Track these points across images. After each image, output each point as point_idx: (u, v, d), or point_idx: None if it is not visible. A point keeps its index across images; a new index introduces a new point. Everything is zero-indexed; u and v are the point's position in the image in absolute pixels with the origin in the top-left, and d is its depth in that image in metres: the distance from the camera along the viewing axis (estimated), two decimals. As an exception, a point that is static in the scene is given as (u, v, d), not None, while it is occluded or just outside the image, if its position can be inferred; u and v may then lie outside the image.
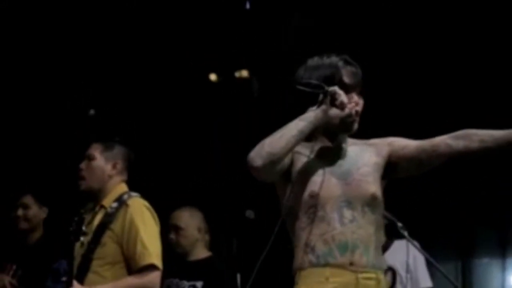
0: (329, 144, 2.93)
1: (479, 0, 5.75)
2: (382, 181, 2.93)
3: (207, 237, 5.13)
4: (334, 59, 2.93)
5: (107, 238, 3.94)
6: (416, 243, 4.55)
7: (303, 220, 2.83)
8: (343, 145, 2.95)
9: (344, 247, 2.78)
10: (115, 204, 4.01)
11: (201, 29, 6.17)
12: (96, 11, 6.08)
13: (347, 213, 2.82)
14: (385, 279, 2.89)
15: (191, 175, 6.56)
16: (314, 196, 2.81)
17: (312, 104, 2.82)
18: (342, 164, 2.90)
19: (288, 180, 2.86)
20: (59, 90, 6.53)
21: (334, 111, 2.79)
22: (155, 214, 4.04)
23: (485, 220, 6.36)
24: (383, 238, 5.13)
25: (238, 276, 4.79)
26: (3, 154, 6.39)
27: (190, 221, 5.04)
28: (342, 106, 2.79)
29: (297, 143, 2.77)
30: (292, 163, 2.86)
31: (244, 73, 6.47)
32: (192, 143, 6.54)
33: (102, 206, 4.04)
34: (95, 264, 3.92)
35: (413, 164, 2.92)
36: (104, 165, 4.12)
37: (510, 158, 5.78)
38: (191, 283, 4.93)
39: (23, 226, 5.16)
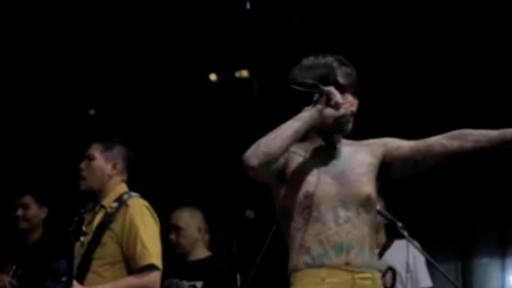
0: (323, 144, 2.94)
1: (477, 0, 5.75)
2: (376, 182, 2.93)
3: (207, 237, 5.13)
4: (329, 59, 2.94)
5: (107, 238, 3.94)
6: (416, 243, 4.55)
7: (298, 221, 2.83)
8: (338, 145, 2.95)
9: (339, 248, 2.78)
10: (115, 204, 4.01)
11: (201, 29, 6.18)
12: (96, 11, 6.09)
13: (342, 213, 2.82)
14: (380, 279, 2.90)
15: (191, 175, 6.56)
16: (309, 197, 2.81)
17: (307, 104, 2.82)
18: (337, 164, 2.90)
19: (283, 180, 2.86)
20: (59, 90, 6.53)
21: (329, 111, 2.80)
22: (155, 214, 4.04)
23: (485, 220, 6.36)
24: (383, 238, 5.18)
25: (238, 276, 4.79)
26: (3, 154, 6.39)
27: (190, 221, 5.04)
28: (337, 106, 2.79)
29: (292, 142, 2.77)
30: (287, 163, 2.86)
31: (244, 73, 6.47)
32: (192, 143, 6.54)
33: (102, 206, 4.04)
34: (95, 264, 3.92)
35: (408, 165, 2.92)
36: (104, 165, 4.11)
37: (510, 158, 5.80)
38: (191, 283, 4.93)
39: (23, 226, 5.15)
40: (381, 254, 5.14)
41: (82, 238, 3.88)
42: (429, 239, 5.56)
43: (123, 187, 4.12)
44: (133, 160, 4.21)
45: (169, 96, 6.55)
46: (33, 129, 6.53)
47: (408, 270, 4.88)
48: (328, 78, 2.87)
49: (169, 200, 5.29)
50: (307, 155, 2.89)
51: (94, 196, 4.10)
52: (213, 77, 6.65)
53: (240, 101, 6.34)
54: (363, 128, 3.05)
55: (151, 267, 3.90)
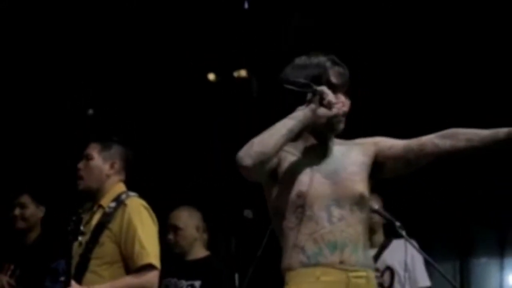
0: (316, 143, 2.94)
1: (474, 2, 5.75)
2: (369, 181, 2.93)
3: (205, 236, 5.13)
4: (321, 59, 2.94)
5: (105, 238, 3.93)
6: (414, 242, 4.56)
7: (291, 220, 2.83)
8: (330, 144, 2.95)
9: (333, 246, 2.78)
10: (113, 204, 4.00)
11: (199, 28, 6.17)
12: (95, 11, 6.08)
13: (336, 212, 2.82)
14: (376, 278, 2.90)
15: (189, 175, 6.57)
16: (302, 196, 2.81)
17: (300, 103, 2.82)
18: (329, 163, 2.91)
19: (276, 179, 2.86)
20: (57, 90, 6.53)
21: (322, 111, 2.80)
22: (153, 214, 4.04)
23: (484, 220, 6.37)
24: (381, 237, 5.17)
25: (236, 276, 4.79)
26: (0, 153, 6.39)
27: (188, 220, 5.04)
28: (329, 106, 2.79)
29: (286, 142, 2.77)
30: (279, 163, 2.86)
31: (243, 73, 6.47)
32: (191, 143, 6.54)
33: (100, 206, 4.03)
34: (93, 264, 3.91)
35: (400, 164, 2.92)
36: (102, 165, 4.11)
37: (508, 157, 5.80)
38: (189, 282, 4.93)
39: (20, 225, 5.15)
40: (379, 254, 5.16)
41: (80, 238, 3.87)
42: (427, 238, 5.57)
43: (121, 187, 4.11)
44: (131, 159, 4.21)
45: (168, 96, 6.55)
46: (31, 128, 6.53)
47: (406, 269, 4.88)
48: (320, 78, 2.88)
49: (167, 200, 5.29)
50: (300, 154, 2.89)
51: (92, 196, 4.10)
52: (211, 77, 6.65)
53: (239, 101, 6.34)
54: (362, 127, 3.06)
55: (149, 267, 3.89)
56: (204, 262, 5.00)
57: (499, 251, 6.45)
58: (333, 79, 2.91)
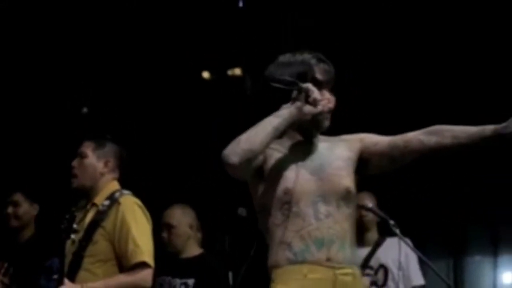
0: (301, 140, 2.94)
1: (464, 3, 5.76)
2: (355, 176, 2.93)
3: (199, 234, 5.13)
4: (306, 56, 2.94)
5: (99, 236, 3.93)
6: (408, 240, 4.56)
7: (277, 217, 2.82)
8: (315, 141, 2.95)
9: (320, 243, 2.78)
10: (106, 202, 4.00)
11: (194, 27, 6.17)
12: (90, 11, 6.08)
13: (322, 208, 2.82)
14: (361, 274, 2.90)
15: (183, 174, 6.56)
16: (288, 193, 2.81)
17: (285, 101, 2.82)
18: (315, 160, 2.90)
19: (261, 177, 2.86)
20: (52, 88, 6.53)
21: (308, 108, 2.79)
22: (147, 212, 4.04)
23: (477, 218, 6.38)
24: (375, 236, 5.18)
25: (230, 274, 4.79)
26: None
27: (182, 219, 5.04)
28: (315, 103, 2.78)
29: (272, 139, 2.77)
30: (265, 160, 2.85)
31: (237, 71, 6.47)
32: (185, 142, 6.54)
33: (94, 204, 4.03)
34: (87, 262, 3.91)
35: (386, 160, 2.92)
36: (96, 163, 4.10)
37: (502, 155, 5.81)
38: (183, 280, 4.93)
39: (14, 223, 5.14)
40: (373, 252, 5.17)
41: (73, 236, 3.87)
42: (421, 236, 5.59)
43: (115, 185, 4.11)
44: (125, 158, 4.21)
45: (162, 94, 6.55)
46: (25, 127, 6.53)
47: (400, 267, 4.89)
48: (305, 75, 2.88)
49: (161, 198, 5.29)
50: (286, 151, 2.89)
51: (86, 194, 4.10)
52: (206, 75, 6.65)
53: (233, 99, 6.34)
54: (355, 124, 3.05)
55: (143, 265, 3.89)
56: (198, 260, 5.00)
57: (493, 249, 6.46)
58: (319, 76, 2.90)
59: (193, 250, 5.06)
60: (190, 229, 5.04)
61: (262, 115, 2.81)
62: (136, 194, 4.11)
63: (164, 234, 5.01)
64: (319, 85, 2.86)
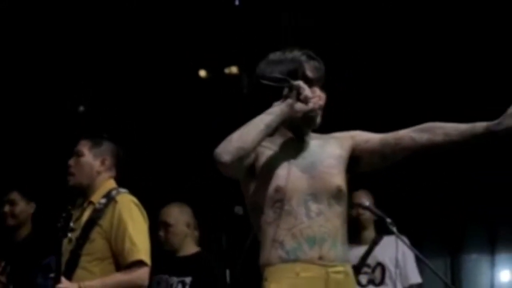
0: (292, 138, 2.94)
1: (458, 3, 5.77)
2: (346, 174, 2.92)
3: (196, 233, 5.13)
4: (296, 53, 2.94)
5: (96, 234, 3.93)
6: (405, 239, 4.57)
7: (269, 215, 2.82)
8: (306, 139, 2.95)
9: (312, 241, 2.78)
10: (103, 200, 4.00)
11: (191, 25, 6.17)
12: (86, 10, 6.07)
13: (313, 207, 2.82)
14: (352, 272, 2.90)
15: (180, 172, 6.56)
16: (280, 191, 2.81)
17: (276, 98, 2.81)
18: (306, 157, 2.90)
19: (253, 175, 2.85)
20: (48, 87, 6.52)
21: (299, 105, 2.79)
22: (143, 210, 4.04)
23: (475, 216, 6.38)
24: (372, 234, 5.18)
25: (227, 272, 4.79)
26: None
27: (179, 217, 5.04)
28: (306, 101, 2.78)
29: (264, 137, 2.77)
30: (256, 158, 2.85)
31: (234, 69, 6.47)
32: (181, 140, 6.54)
33: (91, 202, 4.03)
34: (84, 260, 3.91)
35: (377, 158, 2.92)
36: (93, 161, 4.11)
37: (500, 154, 5.82)
38: (180, 279, 4.93)
39: (10, 222, 5.14)
40: (370, 250, 5.17)
41: (70, 234, 3.88)
42: (418, 235, 5.59)
43: (111, 183, 4.11)
44: (122, 156, 4.21)
45: (159, 93, 6.55)
46: (21, 125, 6.52)
47: (397, 266, 4.89)
48: (296, 72, 2.88)
49: (158, 197, 5.29)
50: (277, 149, 2.89)
51: (83, 192, 4.10)
52: (202, 73, 6.65)
53: (230, 97, 6.33)
54: (361, 124, 3.05)
55: (140, 263, 3.89)
56: (195, 259, 5.00)
57: (490, 248, 6.46)
58: (309, 73, 2.90)
59: (190, 248, 5.05)
60: (187, 228, 5.04)
61: (259, 113, 2.81)
62: (133, 192, 4.11)
63: (161, 233, 5.00)
64: (309, 82, 2.86)
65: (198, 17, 6.09)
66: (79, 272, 3.90)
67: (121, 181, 4.18)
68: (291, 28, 5.98)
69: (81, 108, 6.92)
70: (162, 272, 4.96)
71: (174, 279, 4.95)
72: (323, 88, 2.93)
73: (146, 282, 3.96)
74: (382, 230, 5.02)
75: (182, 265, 4.96)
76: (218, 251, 4.99)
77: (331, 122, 3.07)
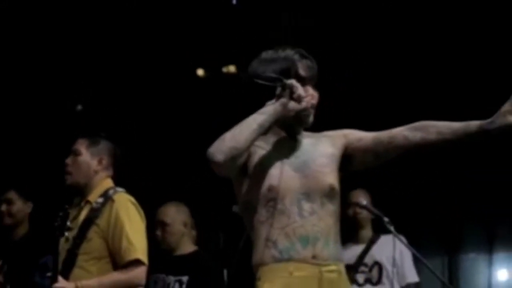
0: (285, 136, 2.93)
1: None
2: (339, 173, 2.92)
3: (193, 232, 5.13)
4: (289, 52, 2.93)
5: (93, 233, 3.93)
6: (402, 238, 4.57)
7: (262, 214, 2.81)
8: (299, 137, 2.95)
9: (305, 240, 2.78)
10: (100, 199, 4.00)
11: (188, 24, 6.16)
12: (83, 9, 6.06)
13: (306, 206, 2.81)
14: (345, 271, 2.89)
15: (177, 171, 6.56)
16: (273, 190, 2.80)
17: (269, 97, 2.81)
18: (299, 156, 2.90)
19: (245, 174, 2.85)
20: (46, 85, 6.51)
21: (292, 105, 2.78)
22: (140, 210, 4.04)
23: (472, 215, 6.38)
24: (370, 233, 5.18)
25: (225, 271, 4.79)
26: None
27: (176, 216, 5.04)
28: (299, 100, 2.78)
29: (257, 137, 2.76)
30: (249, 157, 2.84)
31: (232, 68, 6.47)
32: (178, 139, 6.54)
33: (88, 201, 4.03)
34: (81, 259, 3.91)
35: (370, 156, 2.92)
36: (90, 161, 4.11)
37: (498, 153, 5.82)
38: (177, 278, 4.93)
39: (7, 221, 5.14)
40: (367, 249, 5.17)
41: (67, 234, 3.87)
42: (416, 234, 5.58)
43: (108, 182, 4.11)
44: (119, 155, 4.21)
45: (156, 91, 6.54)
46: (19, 124, 6.51)
47: (394, 265, 4.90)
48: (289, 71, 2.87)
49: (155, 196, 5.28)
50: (270, 148, 2.88)
51: (80, 191, 4.10)
52: (200, 72, 6.65)
53: (228, 96, 6.32)
54: (361, 124, 3.05)
55: (137, 262, 3.89)
56: (192, 258, 5.00)
57: (488, 247, 6.46)
58: (302, 72, 2.90)
59: (187, 247, 5.05)
60: (184, 227, 5.04)
61: (252, 112, 2.80)
62: (131, 191, 4.11)
63: (158, 232, 5.00)
64: (302, 81, 2.86)
65: (195, 16, 6.09)
66: (76, 271, 3.90)
67: (119, 180, 4.18)
68: (291, 27, 5.98)
69: (79, 107, 6.91)
70: (159, 271, 4.96)
71: (171, 278, 4.95)
72: (315, 86, 2.93)
73: (143, 281, 3.96)
74: (379, 229, 5.02)
75: (179, 264, 4.96)
76: (215, 250, 4.99)
77: (331, 122, 3.07)
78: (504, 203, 6.12)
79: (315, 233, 2.78)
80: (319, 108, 2.98)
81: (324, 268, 2.78)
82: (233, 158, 2.70)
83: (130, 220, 3.94)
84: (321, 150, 2.93)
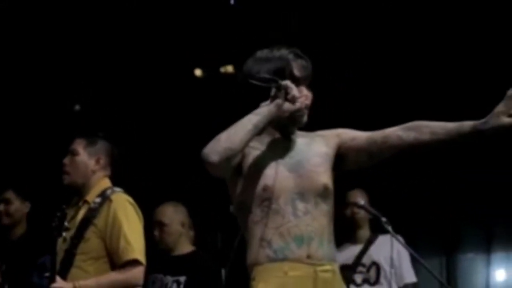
0: (279, 137, 2.94)
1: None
2: (332, 172, 2.92)
3: (191, 232, 5.12)
4: (284, 52, 2.93)
5: (91, 233, 3.93)
6: (400, 238, 4.57)
7: (256, 214, 2.81)
8: (293, 137, 2.95)
9: (300, 240, 2.78)
10: (98, 199, 4.01)
11: (186, 24, 6.16)
12: (81, 9, 6.06)
13: (300, 206, 2.81)
14: (339, 270, 2.89)
15: (175, 171, 6.55)
16: (268, 190, 2.81)
17: (263, 98, 2.81)
18: (293, 156, 2.90)
19: (240, 174, 2.85)
20: (44, 85, 6.51)
21: (287, 106, 2.78)
22: (138, 210, 4.04)
23: (470, 215, 6.38)
24: (367, 233, 5.19)
25: (223, 271, 4.79)
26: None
27: (174, 216, 5.04)
28: (293, 100, 2.78)
29: (252, 137, 2.76)
30: (243, 157, 2.84)
31: (229, 68, 6.46)
32: (176, 139, 6.53)
33: (86, 201, 4.04)
34: (78, 259, 3.91)
35: (363, 156, 2.92)
36: (88, 160, 4.11)
37: (496, 154, 5.82)
38: (175, 278, 4.93)
39: (5, 221, 5.14)
40: (365, 249, 5.17)
41: (64, 234, 3.88)
42: (414, 234, 5.59)
43: (106, 182, 4.11)
44: (117, 155, 4.21)
45: (154, 91, 6.54)
46: (17, 124, 6.51)
47: (392, 265, 4.90)
48: (284, 71, 2.87)
49: (153, 196, 5.28)
50: (264, 148, 2.88)
51: (78, 191, 4.10)
52: (198, 72, 6.64)
53: (225, 96, 6.32)
54: (361, 123, 3.05)
55: (135, 262, 3.90)
56: (190, 258, 5.00)
57: (486, 247, 6.46)
58: (296, 72, 2.89)
59: (185, 247, 5.05)
60: (181, 227, 5.04)
61: (246, 112, 2.80)
62: (128, 191, 4.11)
63: (156, 232, 5.00)
64: (296, 81, 2.86)
65: (193, 16, 6.08)
66: (74, 271, 3.91)
67: (117, 180, 4.18)
68: (290, 28, 5.98)
69: (77, 107, 6.91)
70: (157, 272, 4.96)
71: (169, 278, 4.95)
72: (309, 86, 2.93)
73: (141, 281, 3.96)
74: (377, 229, 5.02)
75: (176, 265, 4.96)
76: (213, 251, 4.99)
77: (331, 122, 3.07)
78: (502, 203, 6.12)
79: (309, 232, 2.79)
80: (319, 108, 2.98)
81: (318, 268, 2.78)
82: (228, 158, 2.70)
83: (128, 220, 3.94)
84: (315, 150, 2.93)
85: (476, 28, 5.78)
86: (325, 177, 2.87)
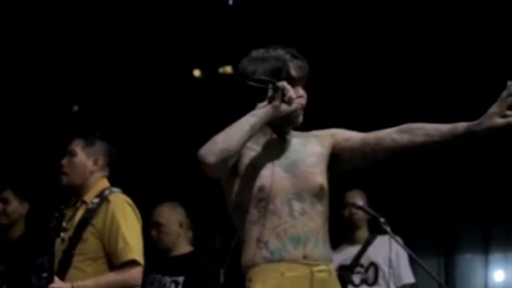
0: (274, 137, 2.93)
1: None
2: (327, 172, 2.92)
3: (189, 233, 5.12)
4: (280, 52, 2.91)
5: (89, 234, 3.93)
6: (398, 238, 4.56)
7: (253, 214, 2.81)
8: (288, 137, 2.95)
9: (296, 241, 2.78)
10: (96, 200, 4.00)
11: (185, 24, 6.16)
12: (80, 9, 6.06)
13: (297, 206, 2.81)
14: (335, 270, 2.90)
15: (173, 172, 6.55)
16: (264, 190, 2.80)
17: (259, 99, 2.80)
18: (289, 156, 2.90)
19: (236, 175, 2.84)
20: (42, 86, 6.51)
21: (284, 107, 2.77)
22: (136, 210, 4.04)
23: (469, 216, 6.38)
24: (366, 234, 5.18)
25: (221, 272, 4.79)
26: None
27: (171, 217, 5.03)
28: (290, 102, 2.77)
29: (249, 139, 2.75)
30: (239, 158, 2.83)
31: (228, 69, 6.46)
32: (174, 140, 6.53)
33: (84, 202, 4.03)
34: (77, 260, 3.91)
35: (357, 157, 2.92)
36: (86, 161, 4.11)
37: (494, 154, 5.82)
38: (173, 278, 4.93)
39: (3, 221, 5.13)
40: (363, 250, 5.17)
41: (62, 234, 3.87)
42: (412, 234, 5.58)
43: (104, 183, 4.11)
44: (115, 156, 4.21)
45: (153, 92, 6.54)
46: (15, 124, 6.51)
47: (390, 266, 4.90)
48: (280, 71, 2.86)
49: (151, 196, 5.28)
50: (260, 149, 2.88)
51: (76, 192, 4.10)
52: (197, 73, 6.64)
53: (224, 97, 6.32)
54: (362, 123, 3.05)
55: (133, 263, 3.90)
56: (188, 258, 4.99)
57: (484, 247, 6.47)
58: (293, 73, 2.88)
59: (183, 248, 5.05)
60: (179, 227, 5.03)
61: (241, 112, 2.80)
62: (127, 192, 4.11)
63: (154, 233, 4.99)
64: (293, 81, 2.85)
65: (192, 16, 6.09)
66: (72, 272, 3.90)
67: (115, 181, 4.18)
68: (289, 28, 5.98)
69: (75, 108, 6.91)
70: (155, 272, 4.95)
71: (167, 279, 4.95)
72: (305, 86, 2.92)
73: (139, 281, 3.96)
74: (375, 230, 5.02)
75: (175, 265, 4.96)
76: (212, 251, 4.99)
77: (331, 122, 3.07)
78: (500, 204, 6.13)
79: (306, 233, 2.79)
80: (319, 108, 2.98)
81: (315, 268, 2.78)
82: (224, 160, 2.70)
83: (126, 220, 3.94)
84: (310, 150, 2.93)
85: (474, 30, 5.78)
86: (320, 178, 2.87)
